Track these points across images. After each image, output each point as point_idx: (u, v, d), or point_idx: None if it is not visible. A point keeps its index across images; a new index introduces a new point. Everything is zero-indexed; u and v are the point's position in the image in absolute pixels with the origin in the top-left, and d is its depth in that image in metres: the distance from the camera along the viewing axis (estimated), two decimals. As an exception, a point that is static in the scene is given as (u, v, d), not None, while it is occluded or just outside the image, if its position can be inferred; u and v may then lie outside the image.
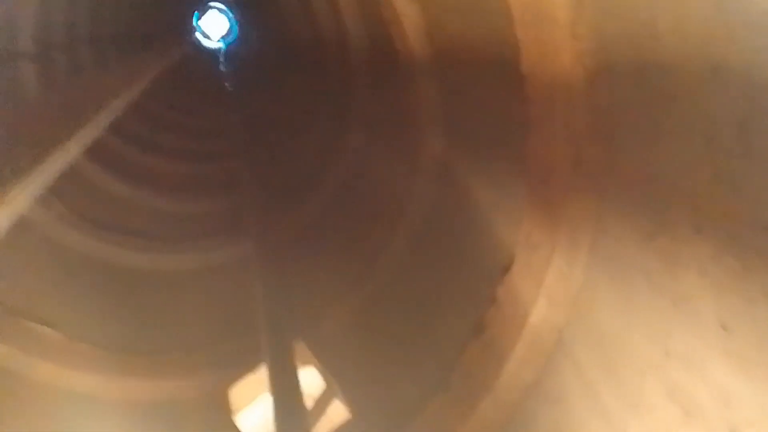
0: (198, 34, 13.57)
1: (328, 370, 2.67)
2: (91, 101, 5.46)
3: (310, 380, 2.62)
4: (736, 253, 1.34)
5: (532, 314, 1.95)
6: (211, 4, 13.15)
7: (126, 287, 3.69)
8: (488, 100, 2.32)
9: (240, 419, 2.63)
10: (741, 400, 1.32)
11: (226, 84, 7.15)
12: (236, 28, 13.26)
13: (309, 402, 2.48)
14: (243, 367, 2.77)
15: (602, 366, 1.78)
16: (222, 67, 8.52)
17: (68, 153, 3.69)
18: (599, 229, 1.78)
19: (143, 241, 4.06)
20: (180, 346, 3.12)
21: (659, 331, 1.56)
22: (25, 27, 4.61)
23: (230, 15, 13.42)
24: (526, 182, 2.03)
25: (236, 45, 12.25)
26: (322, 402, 2.53)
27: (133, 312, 3.46)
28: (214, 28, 14.22)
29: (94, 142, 5.22)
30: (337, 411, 2.51)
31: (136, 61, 7.72)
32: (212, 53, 10.66)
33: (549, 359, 1.97)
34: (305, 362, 2.60)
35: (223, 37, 13.60)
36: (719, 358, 1.36)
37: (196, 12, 13.21)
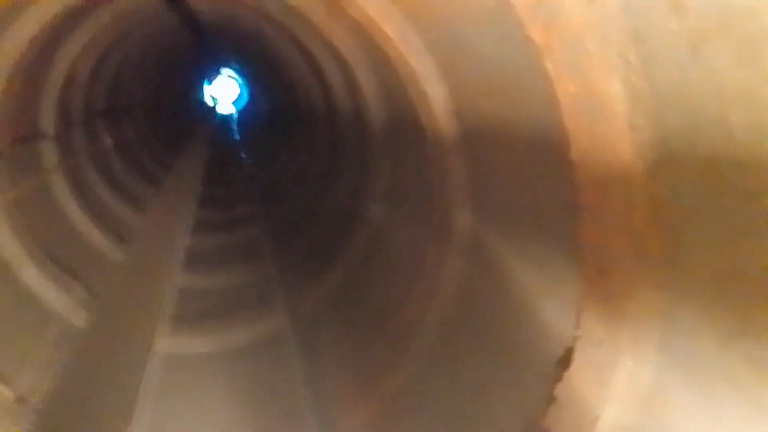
0: (209, 101, 13.82)
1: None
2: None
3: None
4: None
5: (601, 417, 1.80)
6: (222, 70, 13.45)
7: (149, 374, 3.54)
8: (528, 181, 2.23)
9: None
10: None
11: (242, 153, 7.19)
12: (247, 95, 13.51)
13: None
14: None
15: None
16: (235, 135, 8.60)
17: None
18: (669, 327, 1.66)
19: (165, 323, 3.94)
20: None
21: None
22: (48, 108, 4.66)
23: (241, 82, 13.69)
24: (580, 271, 1.92)
25: (248, 112, 12.43)
26: None
27: (157, 401, 3.30)
28: (225, 94, 14.51)
29: (111, 215, 5.19)
30: None
31: (148, 131, 7.81)
32: (225, 120, 10.81)
33: (619, 466, 1.81)
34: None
35: (234, 103, 13.84)
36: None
37: (206, 80, 13.49)
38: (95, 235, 4.67)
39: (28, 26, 3.45)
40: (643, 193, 1.63)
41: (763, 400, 1.41)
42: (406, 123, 3.28)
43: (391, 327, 3.10)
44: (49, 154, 4.64)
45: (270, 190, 6.70)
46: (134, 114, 7.43)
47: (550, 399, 2.00)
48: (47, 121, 4.62)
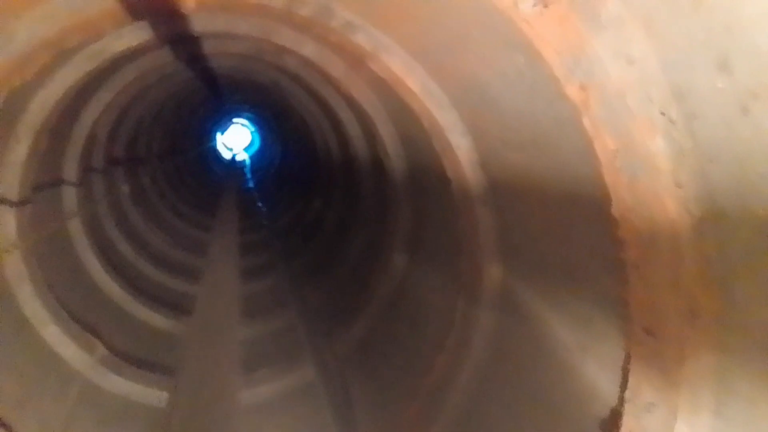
0: (224, 151, 13.98)
1: None
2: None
3: None
4: None
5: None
6: (235, 120, 13.66)
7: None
8: (563, 234, 2.19)
9: None
10: None
11: (257, 202, 7.20)
12: (260, 144, 13.66)
13: None
14: None
15: None
16: (249, 183, 8.65)
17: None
18: (725, 391, 1.59)
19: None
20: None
21: None
22: (71, 159, 4.72)
23: (253, 130, 13.87)
24: (626, 329, 1.86)
25: (263, 160, 12.53)
26: None
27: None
28: (238, 143, 14.69)
29: (130, 269, 5.16)
30: None
31: (164, 181, 7.88)
32: (238, 169, 10.90)
33: None
34: None
35: (246, 151, 13.99)
36: None
37: (219, 130, 13.68)
38: (116, 291, 4.65)
39: (54, 89, 3.52)
40: (691, 249, 1.58)
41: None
42: (429, 173, 3.27)
43: (424, 380, 3.02)
44: (70, 200, 4.68)
45: (287, 238, 6.68)
46: (151, 163, 7.52)
47: (600, 463, 1.91)
48: (70, 170, 4.68)
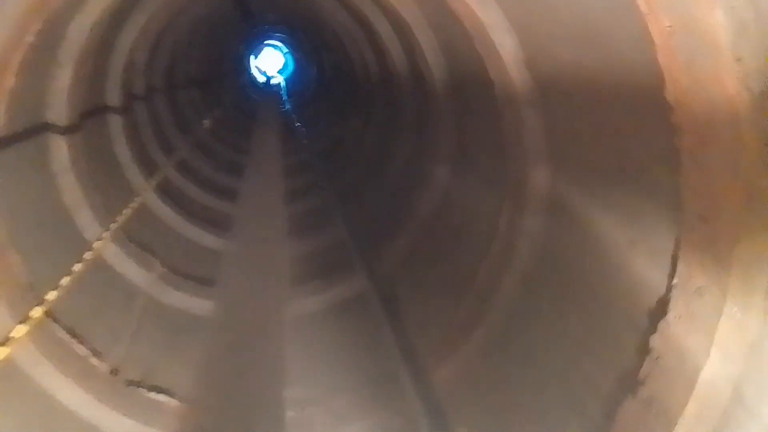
0: (257, 74, 13.86)
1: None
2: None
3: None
4: None
5: (704, 368, 1.74)
6: (267, 42, 13.44)
7: (241, 341, 3.61)
8: (615, 129, 2.13)
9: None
10: None
11: (295, 121, 7.20)
12: (294, 65, 13.46)
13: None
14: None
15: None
16: (286, 105, 8.61)
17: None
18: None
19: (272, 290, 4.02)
20: (319, 396, 3.03)
21: None
22: (113, 86, 4.79)
23: (287, 51, 13.65)
24: (678, 219, 1.83)
25: (299, 81, 12.39)
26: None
27: (255, 365, 3.34)
28: (272, 65, 14.51)
29: (177, 192, 5.29)
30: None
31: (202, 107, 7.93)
32: (273, 91, 10.82)
33: (725, 416, 1.74)
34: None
35: (281, 72, 13.82)
36: None
37: (252, 54, 13.50)
38: (168, 213, 4.82)
39: (90, 12, 3.51)
40: (750, 129, 1.52)
41: None
42: (471, 78, 3.19)
43: (469, 286, 3.08)
44: (116, 127, 4.78)
45: (329, 158, 6.71)
46: (189, 90, 7.56)
47: (645, 351, 1.94)
48: (113, 97, 4.76)
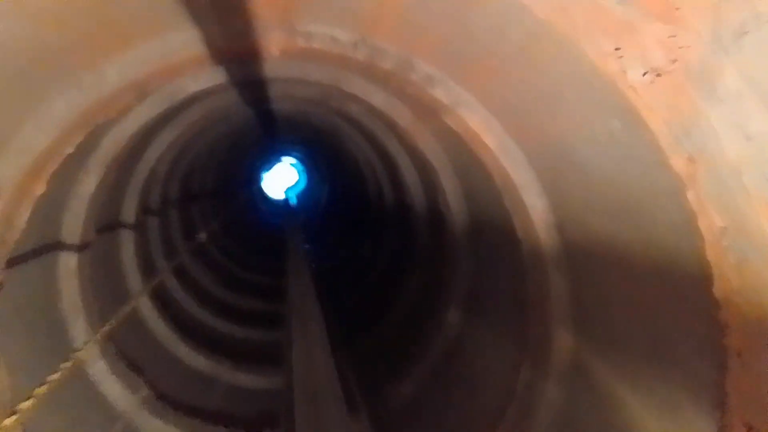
0: (276, 194, 14.10)
1: None
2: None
3: None
4: None
5: None
6: (283, 158, 13.85)
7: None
8: (649, 310, 2.06)
9: None
10: None
11: (306, 245, 7.18)
12: (310, 182, 13.74)
13: None
14: None
15: None
16: (297, 227, 8.66)
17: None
18: None
19: (227, 425, 3.79)
20: None
21: None
22: (131, 199, 4.81)
23: (301, 170, 14.02)
24: (722, 422, 1.70)
25: (313, 205, 12.57)
26: None
27: None
28: (285, 185, 14.84)
29: (178, 311, 5.13)
30: None
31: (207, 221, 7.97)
32: (289, 212, 10.93)
33: None
34: None
35: (293, 192, 14.11)
36: None
37: (265, 168, 13.83)
38: (165, 332, 4.64)
39: (128, 127, 3.60)
40: (808, 342, 1.45)
41: None
42: (495, 231, 3.19)
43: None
44: (127, 242, 4.73)
45: (330, 282, 6.62)
46: (203, 204, 7.64)
47: None
48: (129, 211, 4.76)
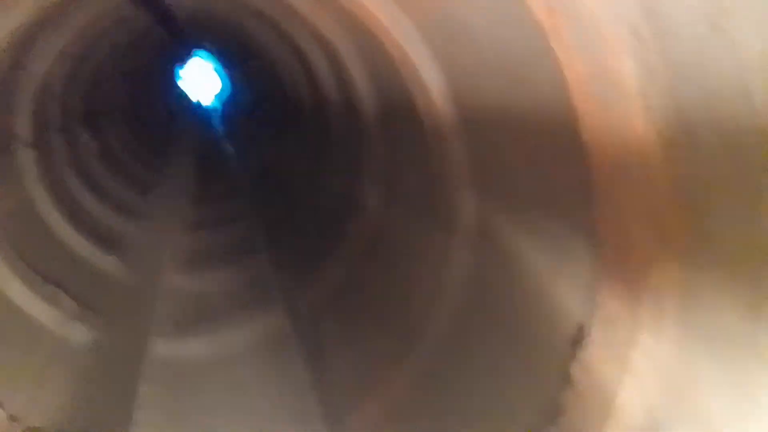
0: (189, 95, 13.51)
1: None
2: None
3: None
4: None
5: (619, 395, 1.81)
6: (195, 55, 13.12)
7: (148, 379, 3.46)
8: (537, 163, 2.22)
9: None
10: None
11: (228, 145, 7.07)
12: (227, 87, 13.23)
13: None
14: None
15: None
16: (218, 129, 8.46)
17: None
18: (690, 300, 1.66)
19: (160, 327, 3.87)
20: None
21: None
22: (23, 114, 4.54)
23: (221, 73, 13.41)
24: (596, 250, 1.92)
25: (230, 105, 12.20)
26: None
27: (158, 407, 3.21)
28: (204, 89, 14.21)
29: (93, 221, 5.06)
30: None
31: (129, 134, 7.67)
32: (207, 115, 10.61)
33: (643, 441, 1.81)
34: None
35: (213, 93, 13.56)
36: None
37: (177, 66, 13.09)
38: (82, 245, 4.57)
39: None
40: (661, 170, 1.62)
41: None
42: (401, 110, 3.24)
43: (398, 321, 3.08)
44: (27, 162, 4.52)
45: (259, 184, 6.62)
46: (114, 118, 7.28)
47: (566, 379, 1.99)
48: (23, 127, 4.50)
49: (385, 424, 2.74)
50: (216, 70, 13.43)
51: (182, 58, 12.27)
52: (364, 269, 3.79)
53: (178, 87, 13.27)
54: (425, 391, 2.76)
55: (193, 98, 13.63)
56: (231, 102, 12.20)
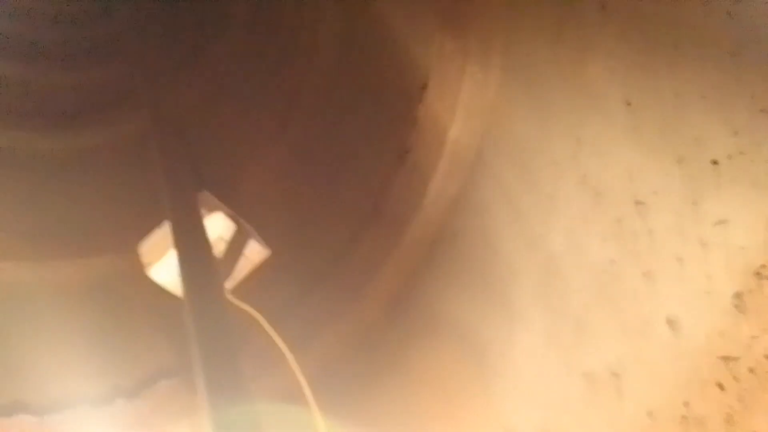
0: None
1: (245, 217, 2.57)
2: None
3: (221, 226, 2.52)
4: (640, 27, 1.34)
5: (452, 129, 1.95)
6: None
7: (22, 170, 3.32)
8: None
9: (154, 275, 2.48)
10: (643, 171, 1.38)
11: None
12: None
13: (221, 247, 2.42)
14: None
15: (520, 170, 1.82)
16: None
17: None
18: (512, 28, 1.74)
19: (35, 120, 3.66)
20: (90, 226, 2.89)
21: (571, 123, 1.59)
22: None
23: None
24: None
25: None
26: (237, 245, 2.45)
27: (32, 196, 3.12)
28: None
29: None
30: (256, 251, 2.46)
31: None
32: None
33: (471, 172, 2.00)
34: (213, 210, 2.50)
35: None
36: (624, 135, 1.40)
37: None
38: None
39: None
40: None
41: (583, 74, 1.54)
42: None
43: (280, 88, 3.02)
44: None
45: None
46: None
47: (414, 121, 2.11)
48: None
49: (268, 180, 2.81)
50: None
51: None
52: (245, 45, 3.59)
53: None
54: (307, 146, 2.78)
55: None
56: None
